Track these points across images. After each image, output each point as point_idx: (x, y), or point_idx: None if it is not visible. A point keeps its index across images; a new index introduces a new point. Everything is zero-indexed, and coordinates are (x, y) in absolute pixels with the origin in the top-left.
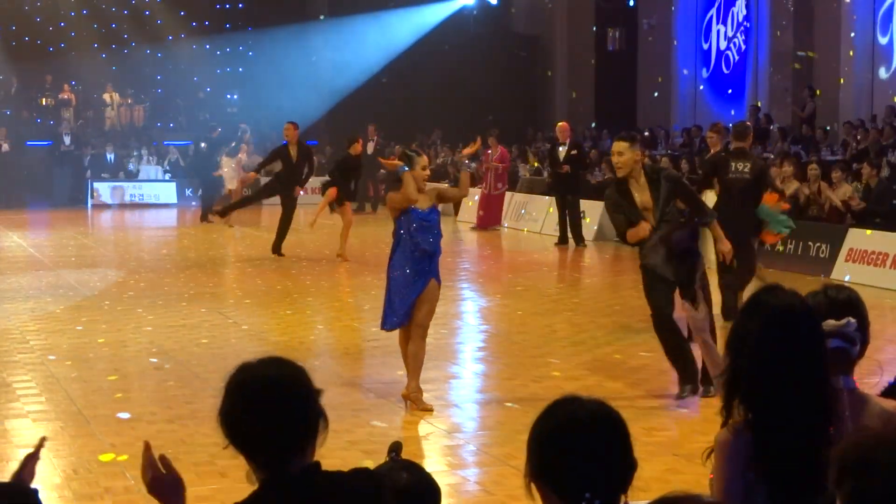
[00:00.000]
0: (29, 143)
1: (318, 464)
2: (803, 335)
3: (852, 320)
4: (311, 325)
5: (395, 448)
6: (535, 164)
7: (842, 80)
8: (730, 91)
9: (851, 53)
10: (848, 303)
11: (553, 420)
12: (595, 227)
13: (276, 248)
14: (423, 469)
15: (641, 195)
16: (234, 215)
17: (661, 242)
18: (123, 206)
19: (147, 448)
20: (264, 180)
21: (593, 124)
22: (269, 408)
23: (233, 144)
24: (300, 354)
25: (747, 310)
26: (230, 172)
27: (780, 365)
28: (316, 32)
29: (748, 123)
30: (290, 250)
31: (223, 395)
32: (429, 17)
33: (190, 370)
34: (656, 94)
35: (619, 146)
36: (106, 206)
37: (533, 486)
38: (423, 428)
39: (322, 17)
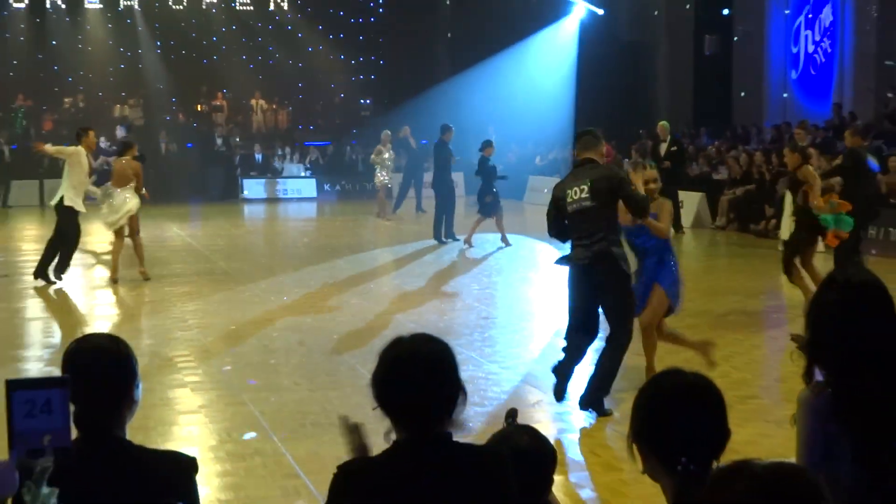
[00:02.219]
0: (188, 145)
1: (450, 434)
2: (876, 306)
3: None
4: (435, 306)
5: (513, 414)
6: (639, 160)
7: None
8: (817, 89)
9: None
10: None
11: (657, 388)
12: (693, 215)
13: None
14: (540, 433)
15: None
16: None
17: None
18: (270, 200)
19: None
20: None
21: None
22: (417, 378)
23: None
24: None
25: (826, 284)
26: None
27: (854, 332)
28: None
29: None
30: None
31: (377, 363)
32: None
33: (330, 346)
34: (743, 94)
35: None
36: (254, 201)
37: (635, 447)
38: (534, 395)
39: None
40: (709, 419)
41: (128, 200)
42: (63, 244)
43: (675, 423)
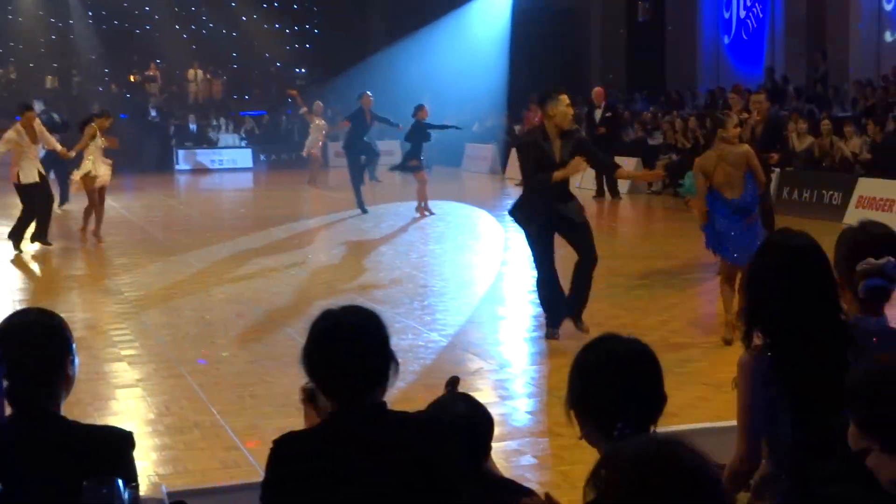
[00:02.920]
0: (122, 115)
1: (384, 403)
2: (812, 269)
3: (892, 259)
4: (375, 275)
5: (453, 382)
6: (575, 126)
7: (850, 43)
8: (749, 54)
9: (860, 18)
10: (887, 237)
11: (592, 355)
12: (629, 181)
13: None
14: (477, 400)
15: (554, 147)
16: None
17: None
18: (205, 170)
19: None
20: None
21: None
22: (345, 349)
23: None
24: (364, 301)
25: (763, 249)
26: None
27: (793, 296)
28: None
29: None
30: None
31: (308, 337)
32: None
33: (268, 317)
34: (676, 60)
35: (568, 99)
36: (189, 172)
37: (572, 413)
38: (475, 364)
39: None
40: (644, 384)
41: (88, 163)
42: (33, 216)
43: (610, 388)
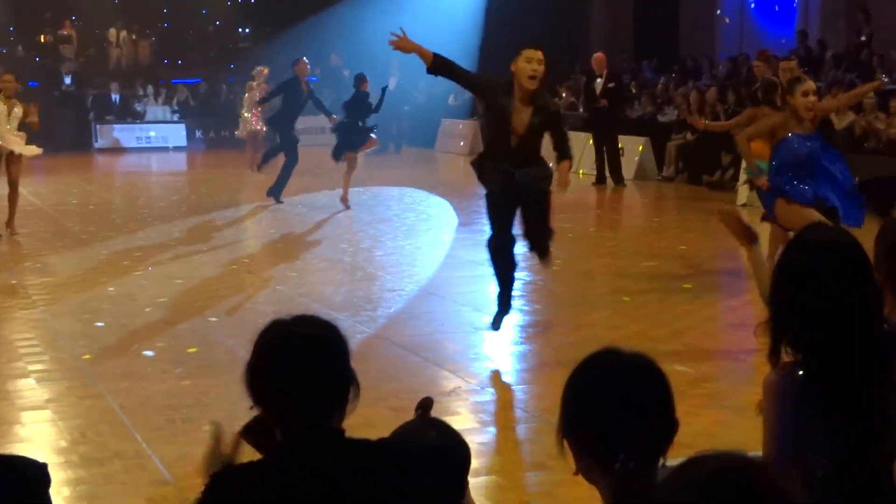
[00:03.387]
0: (31, 83)
1: (342, 431)
2: (851, 271)
3: None
4: (330, 276)
5: (425, 405)
6: (571, 99)
7: None
8: (778, 15)
9: None
10: None
11: (588, 373)
12: (635, 165)
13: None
14: (451, 427)
15: (519, 114)
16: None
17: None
18: (130, 149)
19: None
20: None
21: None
22: (300, 367)
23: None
24: (319, 308)
25: (792, 247)
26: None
27: (827, 302)
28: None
29: None
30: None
31: (252, 352)
32: None
33: (204, 325)
34: (717, 17)
35: (539, 54)
36: (111, 151)
37: (566, 443)
38: (452, 382)
39: None
40: (651, 407)
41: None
42: None
43: (610, 413)
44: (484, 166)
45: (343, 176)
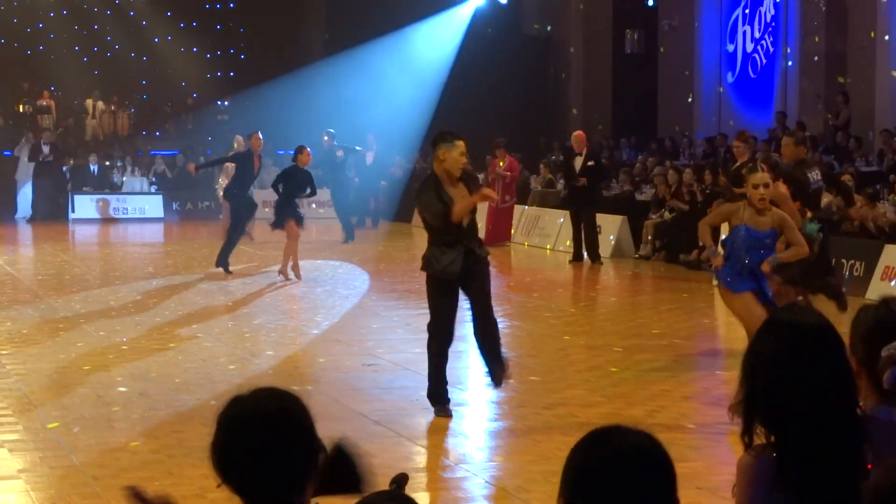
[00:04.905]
0: (6, 153)
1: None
2: (824, 354)
3: None
4: (305, 348)
5: (398, 480)
6: (549, 176)
7: (877, 85)
8: (756, 96)
9: (888, 56)
10: None
11: (593, 451)
12: (612, 243)
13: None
14: (412, 501)
15: (456, 193)
16: None
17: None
18: (107, 220)
19: (135, 495)
20: None
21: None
22: (265, 443)
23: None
24: (293, 380)
25: (766, 328)
26: None
27: (800, 385)
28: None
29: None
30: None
31: (215, 429)
32: (447, 28)
33: (177, 397)
34: (690, 100)
35: (464, 147)
36: (88, 221)
37: None
38: (424, 458)
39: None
40: (654, 491)
41: None
42: None
43: (613, 495)
44: (436, 256)
45: (284, 248)
